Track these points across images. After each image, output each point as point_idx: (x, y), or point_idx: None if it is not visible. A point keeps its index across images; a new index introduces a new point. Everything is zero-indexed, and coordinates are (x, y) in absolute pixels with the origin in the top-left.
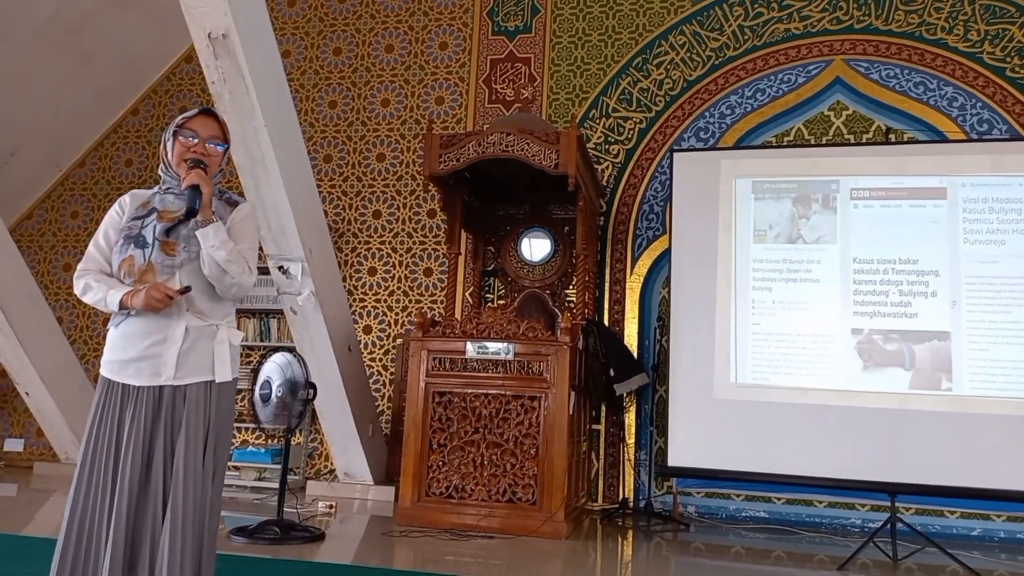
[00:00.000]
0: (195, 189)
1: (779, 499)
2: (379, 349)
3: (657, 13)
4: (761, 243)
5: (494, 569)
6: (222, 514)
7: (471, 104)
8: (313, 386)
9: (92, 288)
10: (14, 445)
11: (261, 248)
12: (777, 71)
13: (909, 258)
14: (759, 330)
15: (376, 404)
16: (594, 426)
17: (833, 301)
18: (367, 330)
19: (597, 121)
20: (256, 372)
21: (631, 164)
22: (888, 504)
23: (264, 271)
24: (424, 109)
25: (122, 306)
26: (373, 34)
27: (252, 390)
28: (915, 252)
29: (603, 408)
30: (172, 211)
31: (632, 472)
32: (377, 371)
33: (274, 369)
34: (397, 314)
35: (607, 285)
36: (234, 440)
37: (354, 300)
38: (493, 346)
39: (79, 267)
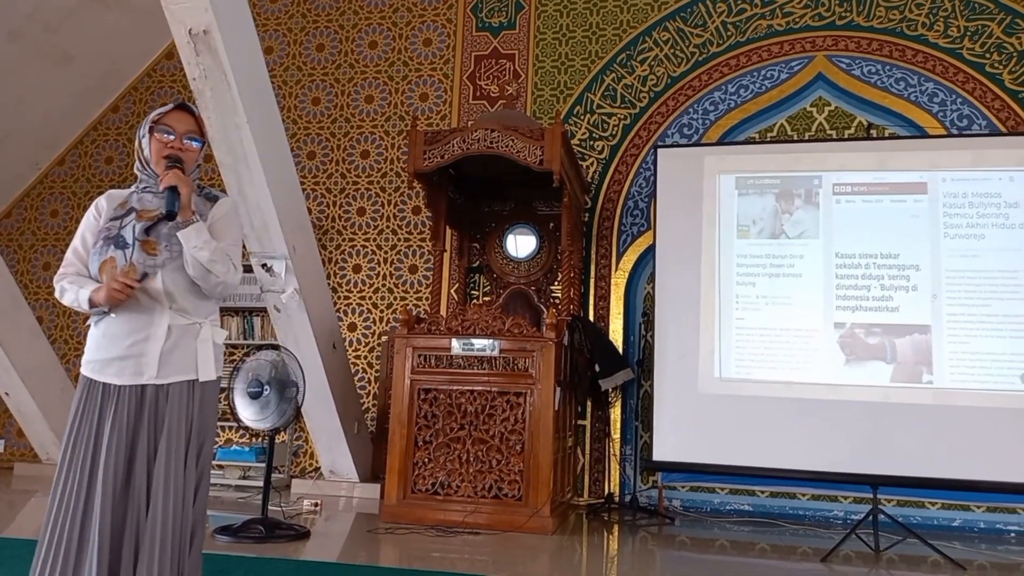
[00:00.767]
0: (173, 190)
1: (763, 492)
2: (364, 347)
3: (641, 9)
4: (744, 238)
5: (480, 565)
6: (207, 513)
7: (455, 100)
8: (304, 383)
9: (67, 290)
10: None
11: (244, 245)
12: (760, 67)
13: (891, 252)
14: (743, 325)
15: (361, 402)
16: (579, 421)
17: (816, 296)
18: (352, 327)
19: (582, 117)
20: (239, 369)
21: (616, 160)
22: (870, 496)
23: (248, 269)
24: (408, 105)
25: (92, 304)
26: (356, 30)
27: (232, 388)
28: (896, 247)
29: (588, 403)
30: (151, 210)
31: (617, 467)
32: (362, 368)
33: (263, 366)
34: (382, 311)
35: (592, 281)
36: (218, 439)
37: (339, 298)
38: (479, 343)
39: (59, 271)
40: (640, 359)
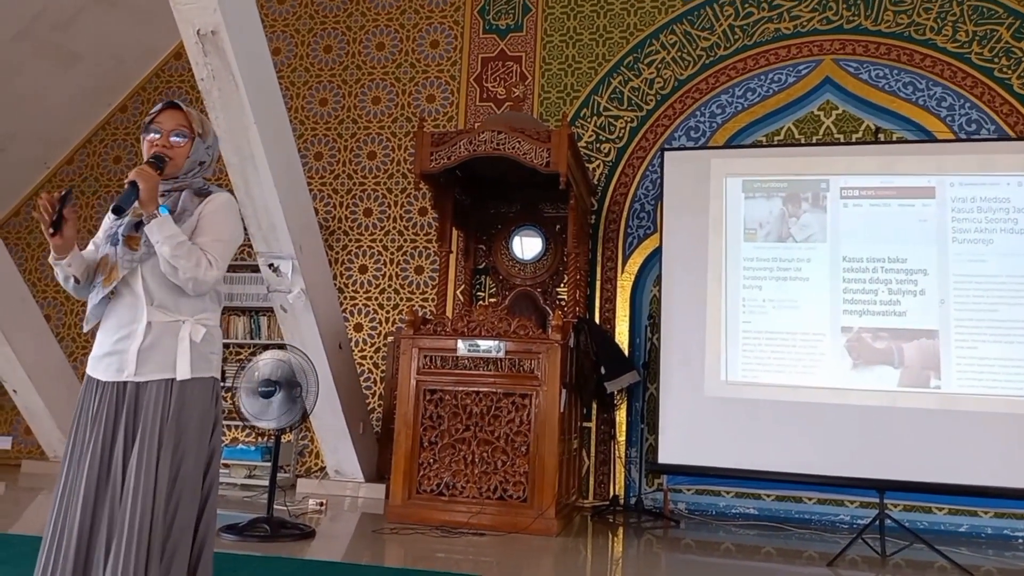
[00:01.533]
0: (133, 186)
1: (769, 496)
2: (370, 347)
3: (648, 12)
4: (751, 242)
5: (485, 566)
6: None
7: (462, 102)
8: (317, 384)
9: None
10: (2, 443)
11: (250, 245)
12: (767, 71)
13: (898, 257)
14: (749, 328)
15: (367, 402)
16: (585, 424)
17: (823, 299)
18: (358, 328)
19: (588, 120)
20: (246, 368)
21: (622, 163)
22: (877, 501)
23: (254, 269)
24: (415, 107)
25: (56, 251)
26: (364, 32)
27: (238, 387)
28: (904, 251)
29: (594, 406)
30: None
31: (623, 469)
32: (368, 369)
33: (273, 366)
34: (388, 312)
35: (598, 283)
36: (224, 438)
37: (345, 298)
38: (484, 344)
39: None
40: (646, 362)
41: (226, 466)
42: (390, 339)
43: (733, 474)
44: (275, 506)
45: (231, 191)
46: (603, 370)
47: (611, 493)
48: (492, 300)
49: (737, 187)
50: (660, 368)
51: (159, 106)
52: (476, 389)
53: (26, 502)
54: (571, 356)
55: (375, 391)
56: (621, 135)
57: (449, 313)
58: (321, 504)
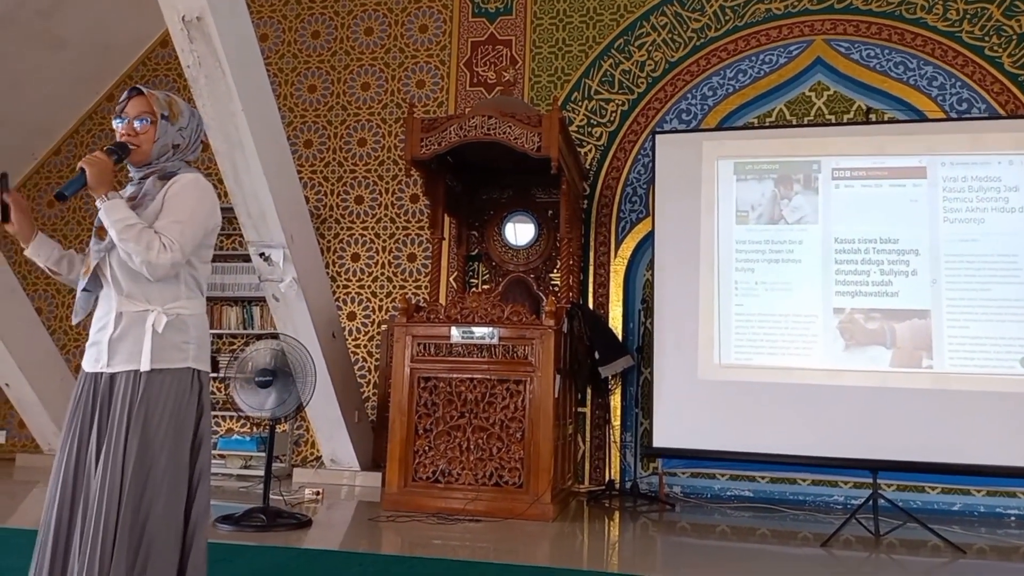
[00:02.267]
0: (82, 172)
1: (763, 478)
2: (363, 335)
3: None
4: (743, 224)
5: (482, 552)
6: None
7: (452, 87)
8: (315, 373)
9: None
10: None
11: (240, 234)
12: (758, 52)
13: (890, 237)
14: (742, 311)
15: (361, 390)
16: (580, 409)
17: (815, 281)
18: (351, 316)
19: (579, 103)
20: (240, 359)
21: (614, 147)
22: (870, 481)
23: (245, 258)
24: (405, 93)
25: (22, 241)
26: (352, 17)
27: (233, 377)
28: (896, 231)
29: (588, 391)
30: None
31: (618, 454)
32: (362, 357)
33: (268, 355)
34: (381, 300)
35: (591, 268)
36: (218, 428)
37: (337, 286)
38: (478, 331)
39: None
40: (640, 346)
41: (221, 456)
42: (383, 327)
43: (728, 457)
44: (271, 496)
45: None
46: (597, 355)
47: (607, 478)
48: (485, 287)
49: (729, 169)
50: (654, 352)
51: (125, 93)
52: (470, 376)
53: (21, 495)
54: (565, 342)
55: (369, 379)
56: (612, 119)
57: (442, 300)
58: (317, 493)
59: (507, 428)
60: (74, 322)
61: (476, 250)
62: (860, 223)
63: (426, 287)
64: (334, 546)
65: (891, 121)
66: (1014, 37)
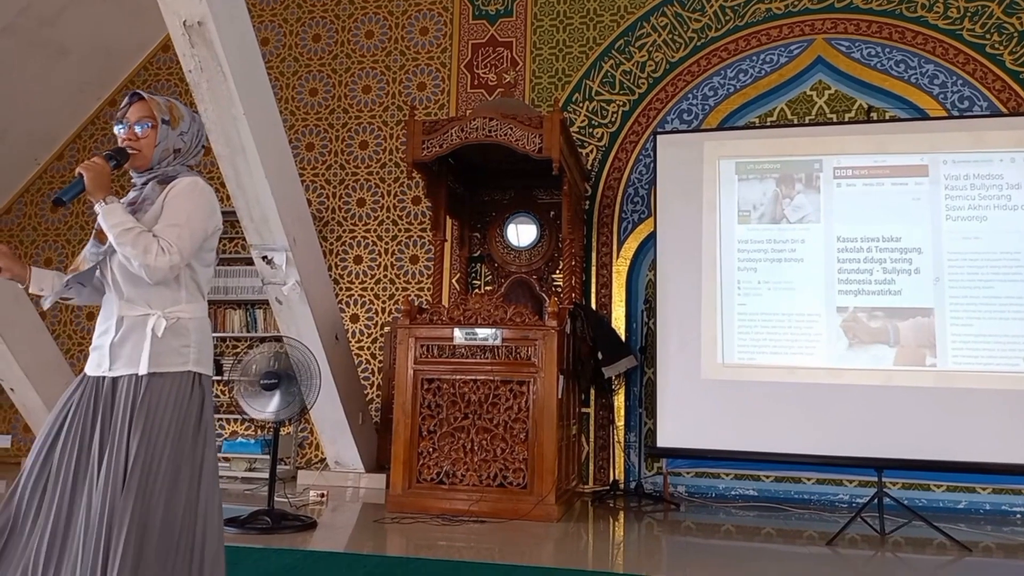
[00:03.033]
0: (80, 177)
1: (768, 477)
2: (367, 337)
3: None
4: (745, 224)
5: (486, 553)
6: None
7: (453, 89)
8: (320, 375)
9: None
10: (1, 441)
11: (243, 237)
12: (759, 51)
13: (892, 236)
14: (745, 310)
15: (365, 392)
16: (583, 409)
17: (818, 280)
18: (354, 319)
19: (580, 104)
20: (244, 362)
21: (615, 147)
22: (875, 479)
23: (248, 261)
24: (406, 95)
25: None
26: (352, 20)
27: (238, 380)
28: (898, 230)
29: (592, 391)
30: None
31: (622, 454)
32: (365, 359)
33: (273, 358)
34: (384, 302)
35: (594, 269)
36: (223, 431)
37: (340, 289)
38: (481, 332)
39: None
40: (643, 346)
41: (226, 459)
42: (387, 329)
43: (732, 456)
44: (276, 498)
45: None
46: (600, 355)
47: (611, 478)
48: (488, 288)
49: (730, 169)
50: (657, 352)
51: (126, 99)
52: (474, 377)
53: None
54: (568, 342)
55: (373, 381)
56: (613, 119)
57: (445, 302)
58: (322, 495)
59: (511, 429)
60: (44, 306)
61: (478, 251)
62: (862, 222)
63: (429, 289)
64: (339, 548)
65: (892, 120)
66: (1015, 34)
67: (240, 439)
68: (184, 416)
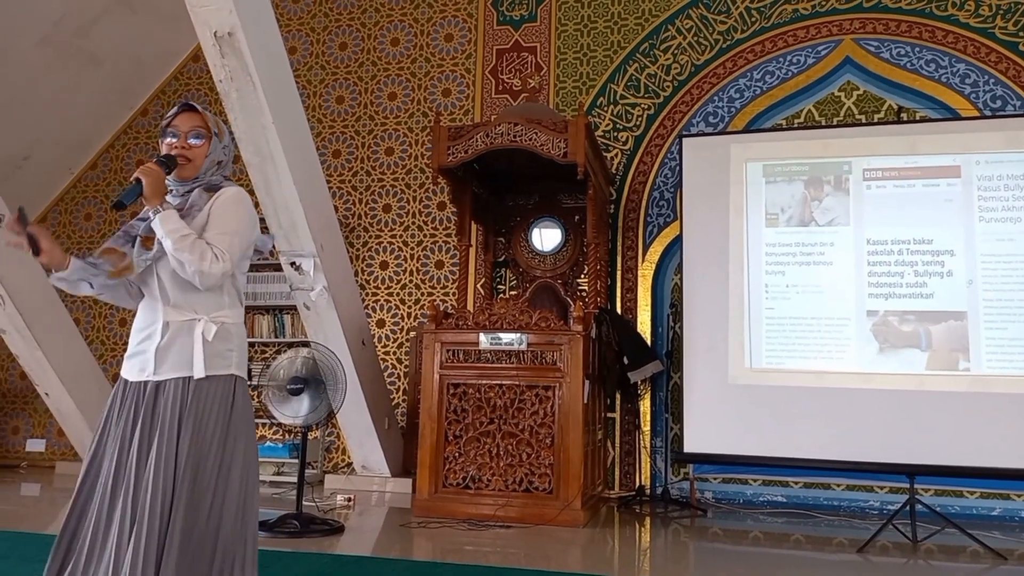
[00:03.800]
0: (137, 182)
1: (796, 483)
2: (393, 342)
3: None
4: (773, 227)
5: (513, 558)
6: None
7: (478, 95)
8: (345, 380)
9: None
10: (36, 445)
11: (273, 244)
12: (786, 52)
13: (924, 238)
14: (773, 314)
15: (391, 397)
16: (609, 414)
17: (847, 283)
18: (380, 324)
19: (605, 109)
20: (272, 367)
21: (640, 151)
22: (907, 486)
23: (276, 267)
24: (431, 102)
25: (54, 268)
26: (378, 28)
27: (266, 385)
28: (930, 232)
29: (617, 396)
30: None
31: (648, 459)
32: (391, 364)
33: (300, 363)
34: (410, 307)
35: (619, 273)
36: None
37: (367, 294)
38: (506, 337)
39: None
40: (669, 351)
41: None
42: (412, 334)
43: (760, 462)
44: (304, 502)
45: (251, 191)
46: (626, 360)
47: (637, 483)
48: (513, 293)
49: (758, 172)
50: (684, 356)
51: (175, 109)
52: (499, 382)
53: (61, 503)
54: (593, 347)
55: (399, 386)
56: (638, 123)
57: (470, 307)
58: (349, 499)
59: (536, 434)
60: (51, 280)
61: (503, 256)
62: (893, 224)
63: (454, 294)
64: (367, 552)
65: (923, 120)
66: None
67: (268, 443)
68: (229, 418)
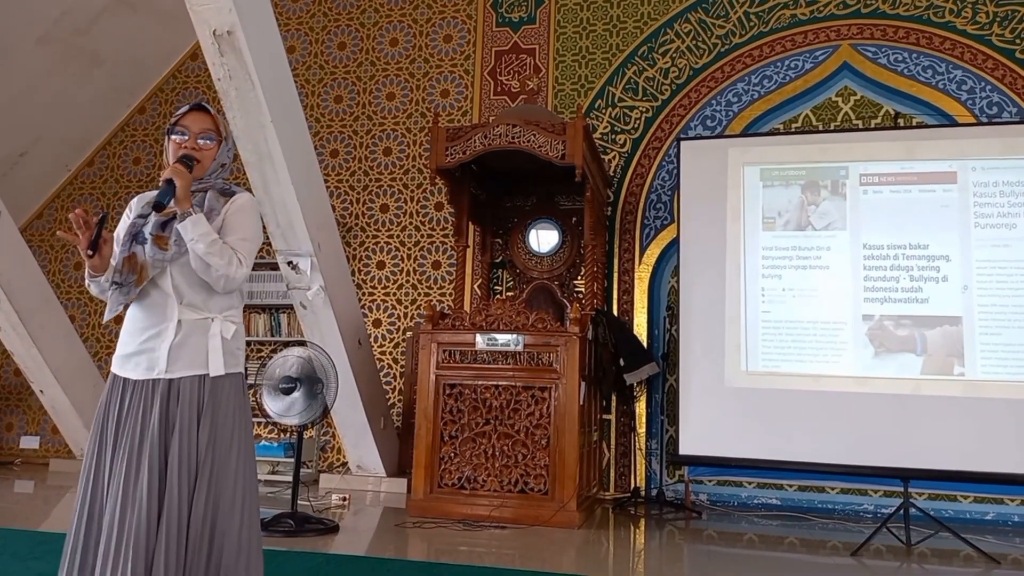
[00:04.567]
0: (170, 183)
1: (791, 486)
2: (389, 342)
3: (662, 1)
4: (770, 231)
5: (507, 559)
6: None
7: (476, 96)
8: (336, 380)
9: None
10: (30, 442)
11: (270, 242)
12: (784, 57)
13: (920, 243)
14: (769, 318)
15: (387, 397)
16: (605, 416)
17: (844, 288)
18: (377, 323)
19: (603, 111)
20: (267, 365)
21: (638, 154)
22: (901, 490)
23: (273, 266)
24: (430, 102)
25: (94, 270)
26: (377, 28)
27: (260, 384)
28: (926, 237)
29: (613, 398)
30: (170, 208)
31: (643, 461)
32: (387, 364)
33: (293, 362)
34: (406, 307)
35: (615, 275)
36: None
37: (363, 294)
38: (502, 338)
39: None
40: (665, 353)
41: None
42: (409, 334)
43: (755, 464)
44: (299, 501)
45: (250, 188)
46: (622, 362)
47: (632, 485)
48: (509, 294)
49: (755, 176)
50: (680, 359)
51: (185, 108)
52: (495, 383)
53: (55, 500)
54: (590, 348)
55: (395, 386)
56: (636, 126)
57: (467, 307)
58: (344, 499)
59: (532, 435)
60: (107, 319)
61: (500, 257)
62: (889, 229)
63: (451, 294)
64: (361, 552)
65: (920, 126)
66: None
67: (263, 442)
68: (243, 415)
